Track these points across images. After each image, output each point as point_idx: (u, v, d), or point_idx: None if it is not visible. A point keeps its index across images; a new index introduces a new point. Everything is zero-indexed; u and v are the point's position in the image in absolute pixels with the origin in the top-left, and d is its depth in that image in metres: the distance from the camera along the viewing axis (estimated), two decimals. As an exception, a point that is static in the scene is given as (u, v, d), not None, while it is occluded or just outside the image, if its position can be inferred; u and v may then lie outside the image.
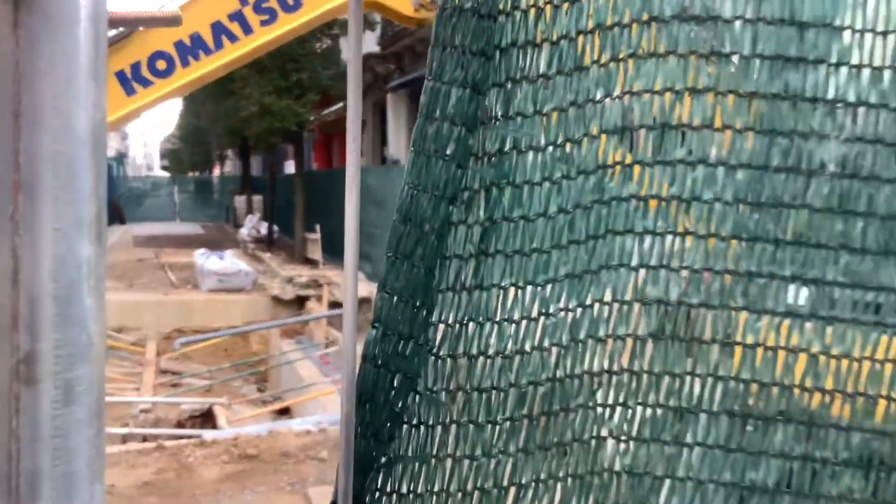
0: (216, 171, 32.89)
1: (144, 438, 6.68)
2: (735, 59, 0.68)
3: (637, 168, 0.71)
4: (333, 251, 12.95)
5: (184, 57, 5.67)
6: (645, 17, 0.69)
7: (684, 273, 0.69)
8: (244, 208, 21.52)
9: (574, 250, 0.69)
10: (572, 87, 0.73)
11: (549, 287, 0.69)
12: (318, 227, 12.95)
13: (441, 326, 0.69)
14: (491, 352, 0.68)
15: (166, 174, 36.27)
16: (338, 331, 9.72)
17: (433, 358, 0.68)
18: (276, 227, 16.93)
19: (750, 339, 0.68)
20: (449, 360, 0.69)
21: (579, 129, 0.73)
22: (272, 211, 17.25)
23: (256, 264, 13.68)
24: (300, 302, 11.75)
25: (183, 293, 12.03)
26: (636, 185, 0.70)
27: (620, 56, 0.71)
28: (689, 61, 0.68)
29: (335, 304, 10.78)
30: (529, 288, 0.69)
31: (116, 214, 25.13)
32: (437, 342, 0.69)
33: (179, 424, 7.62)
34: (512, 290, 0.69)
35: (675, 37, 0.68)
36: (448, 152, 0.68)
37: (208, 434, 5.35)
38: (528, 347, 0.68)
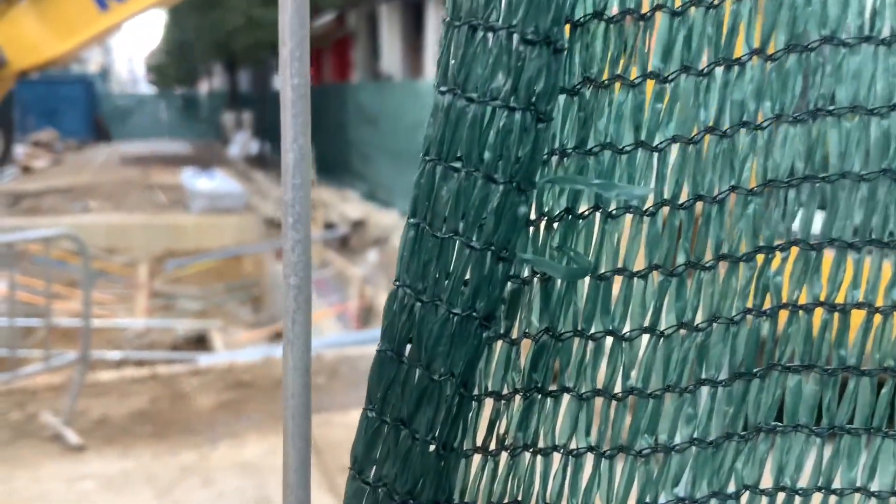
0: (204, 87, 31.98)
1: (139, 362, 6.69)
2: None
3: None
4: (326, 171, 12.70)
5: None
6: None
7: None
8: (233, 125, 21.00)
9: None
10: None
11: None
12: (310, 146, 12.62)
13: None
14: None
15: (152, 90, 35.29)
16: (330, 252, 9.65)
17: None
18: (267, 145, 16.55)
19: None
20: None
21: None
22: (263, 128, 16.80)
23: (248, 184, 13.43)
24: (293, 224, 11.55)
25: (173, 214, 11.84)
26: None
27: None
28: None
29: (330, 226, 10.66)
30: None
31: (102, 132, 24.58)
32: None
33: (175, 348, 7.64)
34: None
35: None
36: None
37: (203, 360, 5.32)
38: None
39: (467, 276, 0.48)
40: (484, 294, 0.47)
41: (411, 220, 0.50)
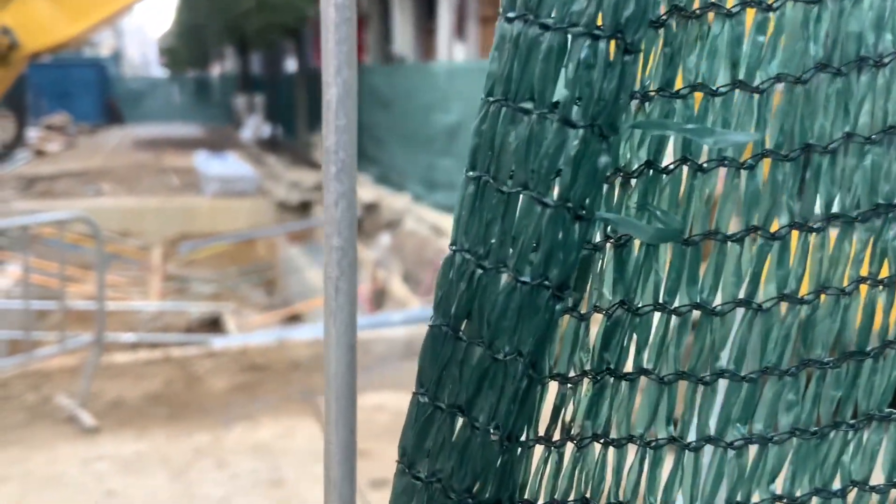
0: (216, 70, 31.90)
1: (153, 344, 6.70)
2: None
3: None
4: (338, 155, 12.59)
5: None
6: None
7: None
8: (245, 108, 20.95)
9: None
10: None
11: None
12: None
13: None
14: None
15: (165, 73, 35.27)
16: (344, 237, 9.57)
17: None
18: (279, 128, 16.49)
19: None
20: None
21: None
22: (274, 111, 16.72)
23: (260, 167, 13.40)
24: (305, 207, 11.58)
25: (186, 198, 11.84)
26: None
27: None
28: None
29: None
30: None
31: (115, 116, 24.62)
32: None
33: (188, 330, 7.65)
34: None
35: None
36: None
37: (217, 342, 5.30)
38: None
39: (538, 239, 0.41)
40: (558, 259, 0.40)
41: (470, 173, 0.43)
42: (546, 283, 0.40)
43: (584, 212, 0.40)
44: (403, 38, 13.43)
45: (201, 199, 11.83)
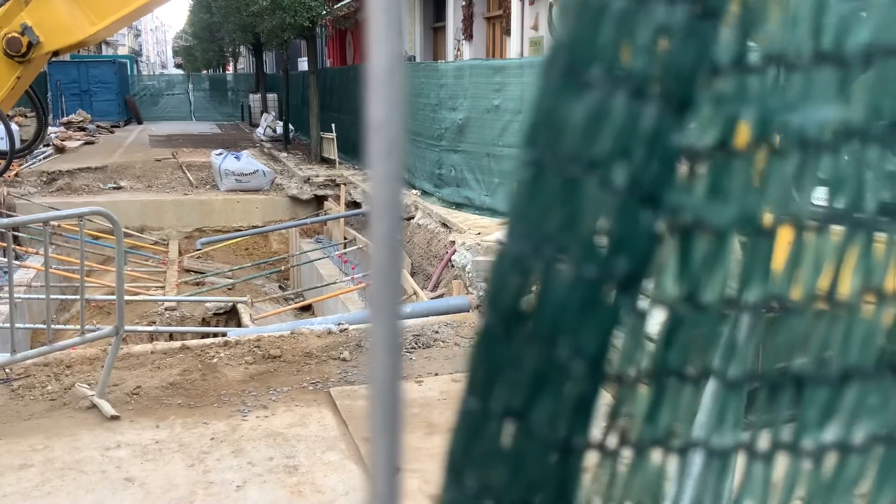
0: (230, 69, 32.07)
1: (171, 336, 6.74)
2: None
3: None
4: (348, 150, 12.64)
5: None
6: None
7: None
8: (259, 107, 21.05)
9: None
10: None
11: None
12: (333, 127, 12.63)
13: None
14: None
15: (180, 72, 35.52)
16: (354, 230, 9.62)
17: None
18: (291, 126, 16.54)
19: None
20: None
21: None
22: (287, 109, 16.79)
23: (273, 164, 13.45)
24: (318, 202, 11.60)
25: (202, 193, 11.93)
26: None
27: None
28: None
29: (352, 204, 10.62)
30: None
31: (133, 114, 24.84)
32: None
33: (204, 322, 7.69)
34: None
35: None
36: None
37: (233, 333, 5.31)
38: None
39: (603, 227, 0.37)
40: (626, 249, 0.36)
41: (527, 155, 0.39)
42: (613, 275, 0.36)
43: (656, 197, 0.36)
44: (411, 35, 13.40)
45: (217, 194, 11.89)
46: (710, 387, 0.44)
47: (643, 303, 0.43)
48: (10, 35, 4.40)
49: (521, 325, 0.39)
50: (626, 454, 0.45)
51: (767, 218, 0.41)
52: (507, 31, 11.16)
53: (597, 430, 0.45)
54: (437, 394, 3.99)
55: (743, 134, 0.41)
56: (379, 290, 0.40)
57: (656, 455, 0.44)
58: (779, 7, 0.40)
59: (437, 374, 4.26)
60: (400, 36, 0.38)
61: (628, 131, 0.35)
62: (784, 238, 0.42)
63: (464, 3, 12.70)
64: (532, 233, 0.38)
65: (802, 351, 0.43)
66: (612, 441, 0.45)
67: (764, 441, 0.44)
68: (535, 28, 10.32)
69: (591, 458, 0.44)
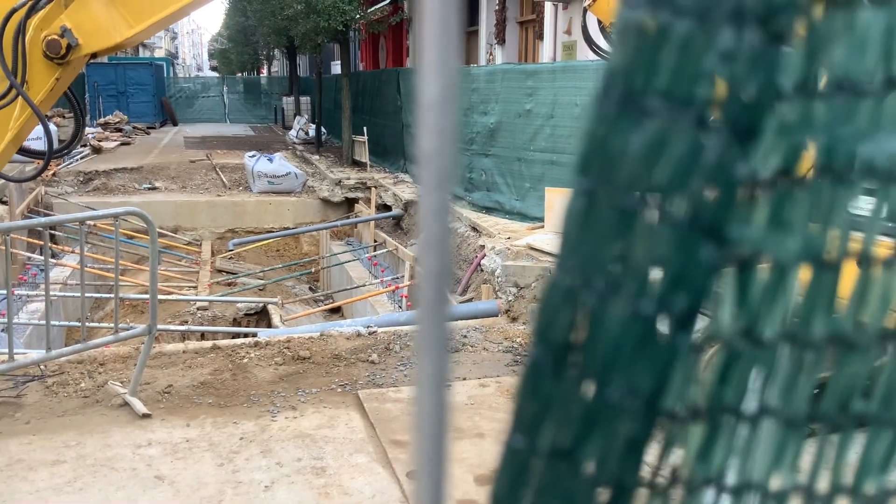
0: (264, 72, 32.52)
1: (202, 335, 6.85)
2: None
3: None
4: (379, 154, 12.71)
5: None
6: None
7: None
8: (292, 110, 21.30)
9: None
10: None
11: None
12: (365, 130, 12.71)
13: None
14: None
15: (215, 74, 36.12)
16: (384, 233, 9.66)
17: None
18: (323, 129, 16.71)
19: None
20: None
21: None
22: (319, 112, 16.96)
23: (305, 166, 13.59)
24: (349, 204, 11.69)
25: (235, 195, 12.10)
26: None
27: None
28: None
29: (382, 207, 10.68)
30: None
31: (168, 115, 25.34)
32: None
33: (235, 322, 7.80)
34: None
35: None
36: None
37: (263, 334, 5.37)
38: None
39: (661, 261, 0.35)
40: (685, 284, 0.34)
41: (581, 184, 0.37)
42: (670, 312, 0.35)
43: (717, 229, 0.35)
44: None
45: (249, 195, 12.06)
46: (768, 425, 0.42)
47: (697, 336, 0.41)
48: (49, 37, 4.53)
49: (571, 361, 0.37)
50: (678, 494, 0.43)
51: (832, 251, 0.39)
52: (540, 36, 11.12)
53: (647, 468, 0.43)
54: (465, 398, 3.97)
55: (807, 163, 0.39)
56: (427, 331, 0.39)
57: (709, 495, 0.43)
58: (847, 31, 0.38)
59: (465, 379, 4.25)
60: (454, 68, 0.37)
61: (690, 161, 0.34)
62: (849, 272, 0.40)
63: (497, 7, 12.70)
64: (584, 265, 0.36)
65: (867, 390, 0.41)
66: (663, 480, 0.43)
67: (823, 483, 0.42)
68: (569, 32, 10.26)
69: (642, 498, 0.42)
